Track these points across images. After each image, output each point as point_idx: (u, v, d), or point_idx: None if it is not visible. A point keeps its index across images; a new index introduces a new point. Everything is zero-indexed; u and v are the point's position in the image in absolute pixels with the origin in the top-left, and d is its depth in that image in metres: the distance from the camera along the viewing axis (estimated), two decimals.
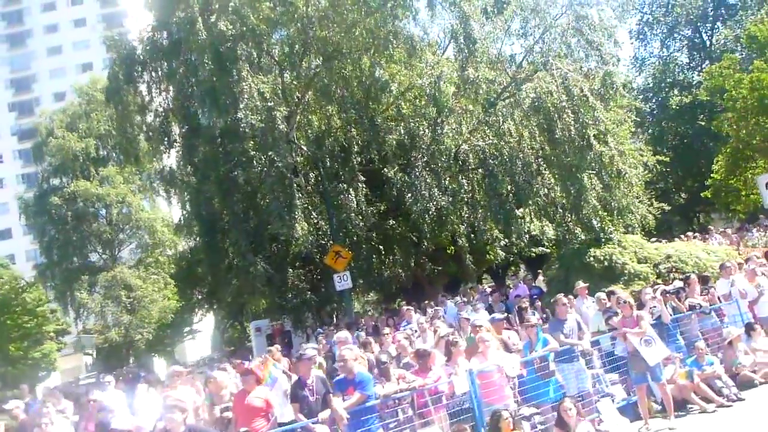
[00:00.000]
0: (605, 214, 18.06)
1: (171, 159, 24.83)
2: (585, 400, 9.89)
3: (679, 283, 13.54)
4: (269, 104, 18.71)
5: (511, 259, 28.24)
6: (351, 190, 20.74)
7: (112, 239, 43.52)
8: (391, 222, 23.29)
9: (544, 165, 20.00)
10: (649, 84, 47.85)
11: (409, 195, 20.05)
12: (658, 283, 15.08)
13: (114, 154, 38.13)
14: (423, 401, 8.35)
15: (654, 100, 46.76)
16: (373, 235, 22.80)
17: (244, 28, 19.04)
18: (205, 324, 51.02)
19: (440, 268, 26.51)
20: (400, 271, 23.55)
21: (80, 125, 42.88)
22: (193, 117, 21.65)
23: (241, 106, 18.03)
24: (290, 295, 21.72)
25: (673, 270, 16.38)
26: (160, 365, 47.88)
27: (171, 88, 22.13)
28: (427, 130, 20.62)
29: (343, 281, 20.57)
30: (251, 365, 11.91)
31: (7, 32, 75.23)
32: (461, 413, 8.57)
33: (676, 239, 22.58)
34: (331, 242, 21.26)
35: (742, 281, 13.13)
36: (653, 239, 21.15)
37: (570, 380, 9.98)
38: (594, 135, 18.38)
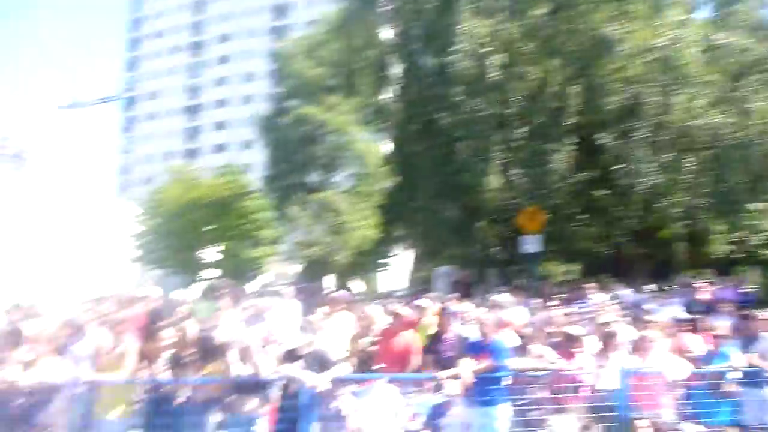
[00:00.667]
0: None
1: (390, 94, 25.39)
2: None
3: None
4: (484, 50, 18.05)
5: (738, 257, 24.99)
6: (559, 151, 19.49)
7: (328, 164, 46.26)
8: (598, 192, 21.64)
9: None
10: None
11: (622, 166, 18.40)
12: None
13: (341, 84, 40.13)
14: (560, 386, 7.65)
15: None
16: (575, 202, 21.43)
17: None
18: (405, 259, 52.76)
19: (646, 251, 24.31)
20: (599, 245, 21.97)
21: (319, 52, 45.50)
22: (411, 56, 21.76)
23: (454, 48, 17.64)
24: (476, 248, 21.38)
25: None
26: (359, 287, 50.66)
27: (397, 24, 22.39)
28: (656, 98, 18.50)
29: (531, 244, 19.72)
30: (414, 305, 11.93)
31: None
32: (603, 410, 7.72)
33: None
34: (528, 202, 20.39)
35: None
36: None
37: (751, 407, 8.53)
38: None
